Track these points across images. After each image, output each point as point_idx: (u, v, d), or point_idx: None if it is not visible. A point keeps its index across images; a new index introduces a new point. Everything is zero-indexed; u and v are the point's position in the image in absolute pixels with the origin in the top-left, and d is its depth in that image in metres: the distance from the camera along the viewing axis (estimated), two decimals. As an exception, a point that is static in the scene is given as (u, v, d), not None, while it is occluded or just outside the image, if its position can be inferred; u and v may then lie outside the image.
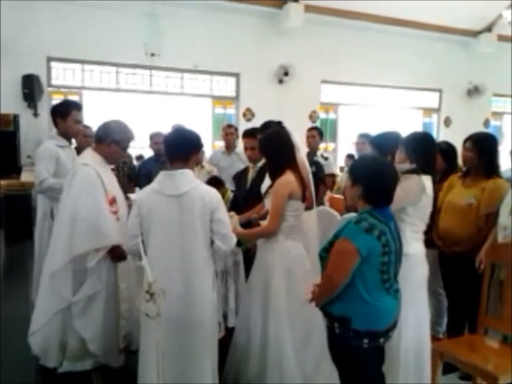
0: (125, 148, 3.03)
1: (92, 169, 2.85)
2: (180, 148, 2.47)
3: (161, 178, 2.46)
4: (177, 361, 2.42)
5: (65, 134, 3.64)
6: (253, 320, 2.83)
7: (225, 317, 3.32)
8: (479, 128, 9.66)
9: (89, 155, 2.96)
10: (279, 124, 3.34)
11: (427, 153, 2.73)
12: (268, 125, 3.51)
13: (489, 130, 10.61)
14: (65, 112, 3.57)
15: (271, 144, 2.86)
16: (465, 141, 3.24)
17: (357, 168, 2.27)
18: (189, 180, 2.42)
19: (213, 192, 2.47)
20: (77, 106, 3.68)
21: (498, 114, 12.09)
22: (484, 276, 2.87)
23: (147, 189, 2.51)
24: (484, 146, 3.16)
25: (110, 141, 2.91)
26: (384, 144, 2.98)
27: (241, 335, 2.92)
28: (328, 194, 5.53)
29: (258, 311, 2.81)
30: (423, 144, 2.74)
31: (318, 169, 4.75)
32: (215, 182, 4.15)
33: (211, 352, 2.52)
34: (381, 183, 2.16)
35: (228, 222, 2.51)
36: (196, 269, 2.42)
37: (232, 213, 3.10)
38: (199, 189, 2.43)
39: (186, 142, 2.50)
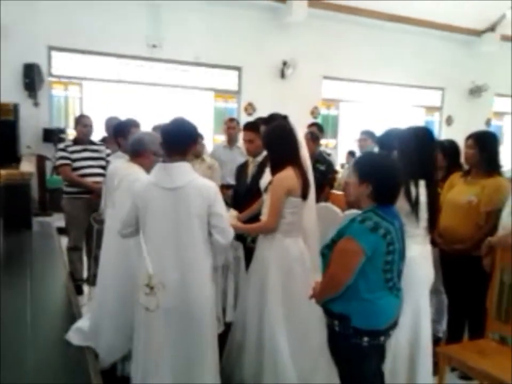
0: (159, 155, 3.17)
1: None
2: (177, 140, 2.43)
3: (158, 170, 2.44)
4: (176, 355, 2.40)
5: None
6: (249, 316, 2.80)
7: (224, 311, 3.31)
8: (480, 127, 9.62)
9: (131, 166, 3.05)
10: (284, 118, 3.29)
11: (424, 153, 2.64)
12: (272, 117, 3.46)
13: (491, 129, 10.61)
14: (125, 132, 3.60)
15: (274, 138, 2.79)
16: (467, 138, 3.26)
17: (365, 166, 2.19)
18: (185, 173, 2.39)
19: (210, 185, 2.43)
20: (134, 124, 3.74)
21: (500, 114, 12.08)
22: (493, 279, 2.82)
23: (144, 180, 2.50)
24: (485, 143, 3.17)
25: (149, 153, 3.02)
26: (389, 141, 2.95)
27: (237, 331, 2.91)
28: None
29: (254, 308, 2.78)
30: (419, 143, 2.65)
31: (327, 169, 4.65)
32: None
33: (211, 346, 2.49)
34: (391, 181, 2.14)
35: (225, 216, 2.48)
36: (192, 262, 2.39)
37: (232, 211, 3.07)
38: (197, 182, 2.39)
39: (183, 134, 2.46)
